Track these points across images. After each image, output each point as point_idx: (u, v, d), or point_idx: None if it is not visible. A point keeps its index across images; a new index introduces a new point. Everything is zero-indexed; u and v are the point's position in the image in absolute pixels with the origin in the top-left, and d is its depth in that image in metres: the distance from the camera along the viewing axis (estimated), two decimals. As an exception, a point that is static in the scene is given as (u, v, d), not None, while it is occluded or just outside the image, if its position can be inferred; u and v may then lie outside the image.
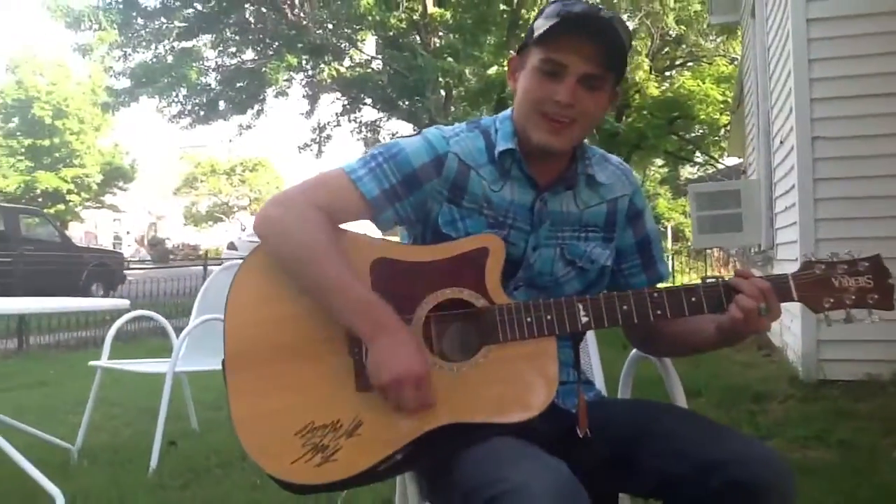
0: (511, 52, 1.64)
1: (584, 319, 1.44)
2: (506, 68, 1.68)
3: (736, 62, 15.13)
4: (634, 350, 1.81)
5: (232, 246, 25.49)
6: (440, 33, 15.24)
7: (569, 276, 1.56)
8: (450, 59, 13.97)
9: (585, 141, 1.61)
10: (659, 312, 1.44)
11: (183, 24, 15.24)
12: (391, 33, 14.79)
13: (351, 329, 1.40)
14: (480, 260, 1.45)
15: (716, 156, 22.37)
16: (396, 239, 1.62)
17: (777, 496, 1.30)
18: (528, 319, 1.42)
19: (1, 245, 12.88)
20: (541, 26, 1.47)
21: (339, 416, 1.38)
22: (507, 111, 1.61)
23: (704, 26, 17.63)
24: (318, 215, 1.46)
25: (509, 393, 1.39)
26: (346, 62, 15.99)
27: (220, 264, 6.60)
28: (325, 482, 1.37)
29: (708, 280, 1.57)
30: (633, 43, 17.47)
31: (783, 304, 1.46)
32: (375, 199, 1.50)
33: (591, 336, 1.93)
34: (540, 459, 1.27)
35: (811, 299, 1.45)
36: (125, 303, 3.74)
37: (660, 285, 1.62)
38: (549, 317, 1.43)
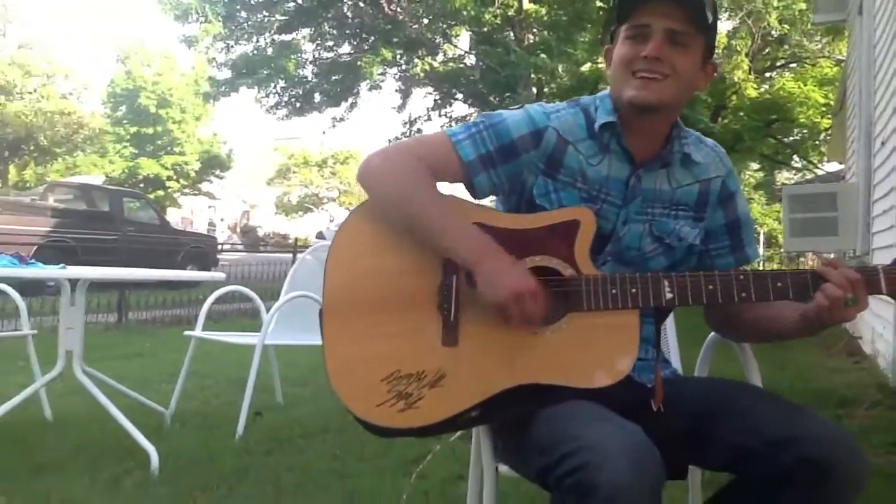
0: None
1: (669, 296, 1.46)
2: (601, 65, 1.72)
3: (841, 64, 14.57)
4: (713, 333, 1.82)
5: (321, 235, 25.97)
6: (535, 30, 15.20)
7: (656, 251, 1.59)
8: (543, 55, 13.90)
9: (681, 122, 1.63)
10: (744, 294, 1.45)
11: (283, 18, 15.64)
12: (485, 29, 14.83)
13: (457, 256, 1.46)
14: (571, 231, 1.50)
15: (815, 161, 21.57)
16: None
17: (849, 475, 1.30)
18: (614, 291, 1.45)
19: (106, 225, 13.59)
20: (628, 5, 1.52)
21: (425, 367, 1.45)
22: (606, 91, 1.64)
23: (808, 26, 16.99)
24: (419, 163, 1.54)
25: (588, 360, 1.43)
26: (440, 57, 16.12)
27: (309, 251, 6.78)
28: (407, 427, 1.44)
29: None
30: (733, 42, 17.06)
31: (878, 311, 1.46)
32: (471, 162, 1.56)
33: (670, 318, 1.95)
34: (615, 422, 1.30)
35: None
36: (221, 276, 3.92)
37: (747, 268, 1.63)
38: (633, 290, 1.45)
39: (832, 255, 8.91)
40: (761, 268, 17.19)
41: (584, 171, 1.57)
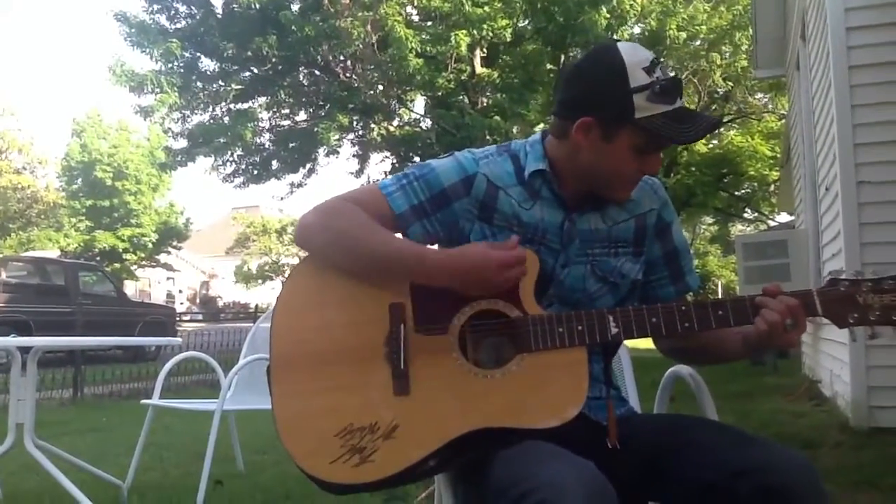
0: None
1: (615, 330, 1.48)
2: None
3: (784, 118, 15.08)
4: (670, 370, 1.84)
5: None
6: (488, 93, 15.51)
7: (601, 291, 1.60)
8: (497, 117, 14.18)
9: None
10: (687, 325, 1.48)
11: (239, 87, 15.74)
12: (440, 93, 15.09)
13: (412, 260, 1.50)
14: None
15: (766, 212, 22.12)
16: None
17: (808, 500, 1.31)
18: (560, 329, 1.47)
19: (61, 299, 13.34)
20: (647, 111, 1.48)
21: (377, 418, 1.44)
22: (537, 135, 1.66)
23: (751, 83, 17.62)
24: (354, 207, 1.56)
25: (540, 399, 1.44)
26: (396, 121, 16.33)
27: (269, 314, 6.71)
28: (363, 482, 1.42)
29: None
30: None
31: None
32: (404, 213, 1.58)
33: (626, 358, 1.96)
34: (569, 458, 1.30)
35: (835, 315, 1.47)
36: (177, 340, 3.86)
37: (689, 298, 1.65)
38: (580, 327, 1.47)
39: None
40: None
41: (518, 215, 1.59)
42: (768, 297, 1.46)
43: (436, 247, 1.65)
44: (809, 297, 1.48)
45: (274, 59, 14.46)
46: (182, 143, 16.49)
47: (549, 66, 15.50)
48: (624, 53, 1.49)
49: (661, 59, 1.53)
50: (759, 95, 19.48)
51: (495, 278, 1.45)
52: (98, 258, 29.52)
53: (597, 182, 1.57)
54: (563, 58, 15.47)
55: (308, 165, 17.27)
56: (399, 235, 1.58)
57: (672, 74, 1.53)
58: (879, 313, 1.45)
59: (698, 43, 17.22)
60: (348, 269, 1.53)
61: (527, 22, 15.25)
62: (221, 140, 15.51)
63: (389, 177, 1.67)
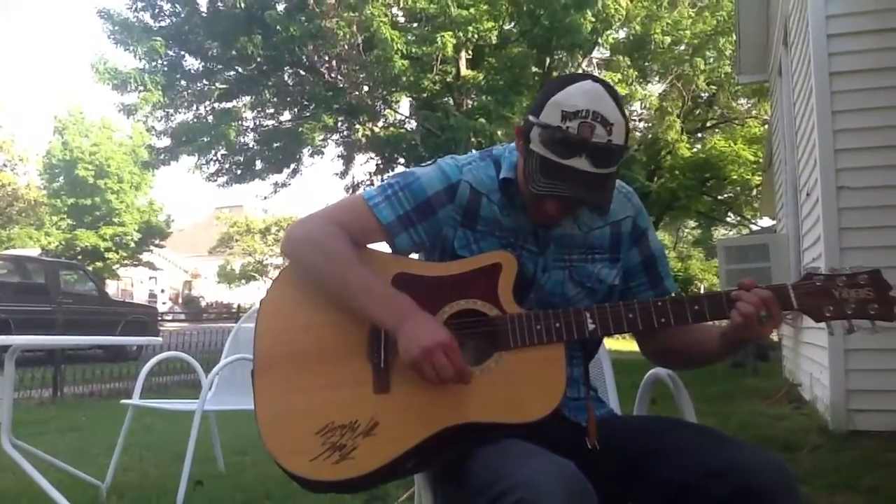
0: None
1: (592, 326, 1.50)
2: None
3: (767, 123, 15.20)
4: (650, 372, 1.85)
5: (265, 303, 25.65)
6: (473, 94, 15.53)
7: (580, 296, 1.62)
8: (482, 119, 14.20)
9: None
10: (663, 320, 1.50)
11: (224, 86, 15.70)
12: (425, 95, 15.10)
13: (377, 322, 1.49)
14: (494, 274, 1.53)
15: (749, 216, 22.27)
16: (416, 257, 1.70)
17: (784, 501, 1.33)
18: (538, 327, 1.49)
19: (42, 297, 13.22)
20: (536, 147, 1.48)
21: (357, 416, 1.45)
22: None
23: (735, 89, 17.74)
24: (339, 230, 1.57)
25: (519, 395, 1.45)
26: (381, 122, 16.32)
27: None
28: (343, 479, 1.43)
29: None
30: (665, 104, 17.69)
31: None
32: (390, 224, 1.59)
33: (606, 361, 1.98)
34: (547, 457, 1.31)
35: (811, 308, 1.49)
36: (158, 340, 3.83)
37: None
38: (557, 324, 1.49)
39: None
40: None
41: (500, 220, 1.61)
42: (743, 291, 1.49)
43: (416, 256, 1.67)
44: (784, 290, 1.50)
45: (259, 59, 14.41)
46: (165, 142, 16.45)
47: (534, 69, 15.54)
48: (567, 91, 1.47)
49: (601, 121, 1.44)
50: (743, 100, 19.60)
51: (424, 368, 1.43)
52: (79, 257, 29.31)
53: (523, 186, 1.57)
54: (548, 61, 15.53)
55: (292, 165, 17.23)
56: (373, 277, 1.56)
57: (601, 141, 1.44)
58: (855, 307, 1.47)
59: (682, 48, 17.31)
60: (324, 294, 1.56)
61: (512, 24, 15.29)
62: (205, 139, 15.46)
63: (373, 187, 1.68)
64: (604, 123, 1.44)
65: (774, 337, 11.85)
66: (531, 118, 1.50)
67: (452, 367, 1.42)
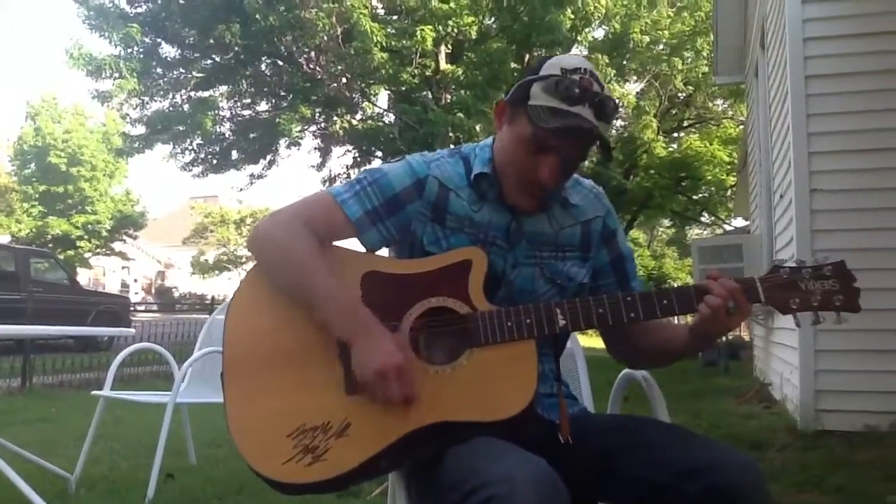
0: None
1: (562, 322, 1.50)
2: None
3: (742, 125, 15.33)
4: (624, 371, 1.86)
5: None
6: (452, 89, 15.51)
7: (550, 293, 1.63)
8: (460, 114, 14.19)
9: None
10: (633, 315, 1.51)
11: (200, 75, 15.55)
12: (404, 88, 15.06)
13: (335, 334, 1.47)
14: (464, 271, 1.53)
15: (723, 216, 22.47)
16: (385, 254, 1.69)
17: (752, 500, 1.33)
18: (509, 323, 1.49)
19: (11, 285, 13.02)
20: (539, 100, 1.51)
21: (329, 418, 1.44)
22: (488, 140, 1.69)
23: (712, 89, 17.88)
24: (305, 231, 1.55)
25: (490, 392, 1.45)
26: (359, 115, 16.25)
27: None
28: (315, 480, 1.42)
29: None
30: (642, 103, 17.78)
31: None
32: (359, 219, 1.59)
33: (580, 358, 1.98)
34: (519, 453, 1.31)
35: (778, 300, 1.51)
36: (130, 331, 3.79)
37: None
38: (528, 320, 1.49)
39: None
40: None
41: (470, 216, 1.61)
42: (711, 282, 1.50)
43: (385, 252, 1.67)
44: (751, 283, 1.52)
45: (236, 48, 14.29)
46: (140, 130, 16.24)
47: (513, 65, 15.54)
48: (560, 56, 1.56)
49: (595, 77, 1.52)
50: (719, 101, 19.77)
51: (374, 390, 1.43)
52: (50, 245, 28.91)
53: (507, 178, 1.59)
54: (527, 56, 15.54)
55: (269, 157, 17.12)
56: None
57: (601, 92, 1.51)
58: (820, 298, 1.49)
59: (661, 47, 17.43)
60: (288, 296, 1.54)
61: (492, 20, 15.31)
62: (181, 128, 15.32)
63: (341, 183, 1.68)
64: (598, 82, 1.52)
65: (746, 336, 11.99)
66: (530, 77, 1.54)
67: (400, 392, 1.42)
